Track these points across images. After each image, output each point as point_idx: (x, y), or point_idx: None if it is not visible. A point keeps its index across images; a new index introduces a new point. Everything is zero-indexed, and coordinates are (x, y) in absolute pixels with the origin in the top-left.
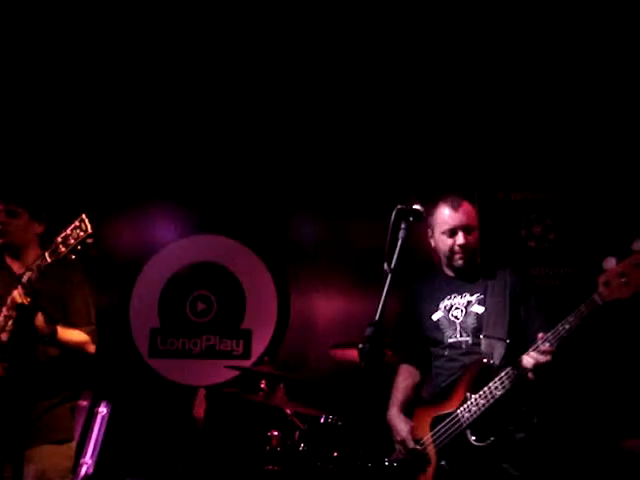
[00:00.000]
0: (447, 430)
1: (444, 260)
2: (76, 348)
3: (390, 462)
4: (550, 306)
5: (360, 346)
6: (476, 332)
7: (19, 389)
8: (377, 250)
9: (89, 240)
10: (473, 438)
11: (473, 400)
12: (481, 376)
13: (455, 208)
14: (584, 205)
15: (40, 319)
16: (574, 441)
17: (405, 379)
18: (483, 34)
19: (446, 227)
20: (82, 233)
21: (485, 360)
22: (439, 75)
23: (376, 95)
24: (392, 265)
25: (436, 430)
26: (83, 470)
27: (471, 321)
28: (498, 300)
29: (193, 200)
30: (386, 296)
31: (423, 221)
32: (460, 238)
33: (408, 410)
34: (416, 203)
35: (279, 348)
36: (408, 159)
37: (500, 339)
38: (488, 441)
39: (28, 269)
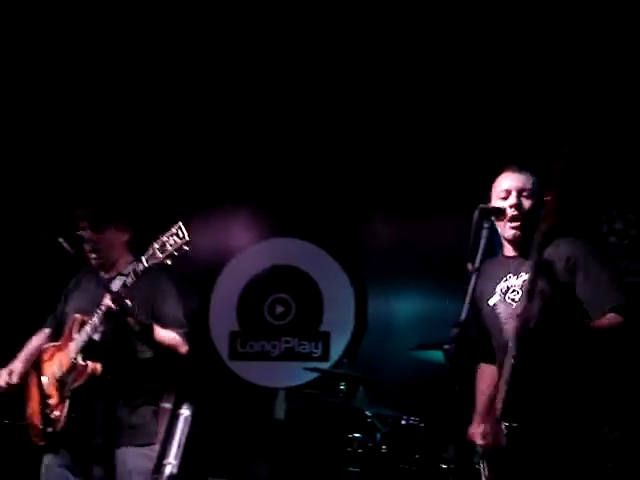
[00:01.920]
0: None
1: (502, 238)
2: (169, 348)
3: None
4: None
5: (446, 347)
6: None
7: (112, 389)
8: (454, 249)
9: (186, 247)
10: None
11: None
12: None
13: (513, 171)
14: None
15: (132, 321)
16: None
17: (483, 381)
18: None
19: (500, 189)
20: (179, 240)
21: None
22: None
23: (445, 94)
24: (476, 265)
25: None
26: (167, 470)
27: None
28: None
29: (270, 203)
30: (472, 296)
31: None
32: (512, 198)
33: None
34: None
35: (358, 350)
36: (483, 158)
37: None
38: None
39: (120, 274)
